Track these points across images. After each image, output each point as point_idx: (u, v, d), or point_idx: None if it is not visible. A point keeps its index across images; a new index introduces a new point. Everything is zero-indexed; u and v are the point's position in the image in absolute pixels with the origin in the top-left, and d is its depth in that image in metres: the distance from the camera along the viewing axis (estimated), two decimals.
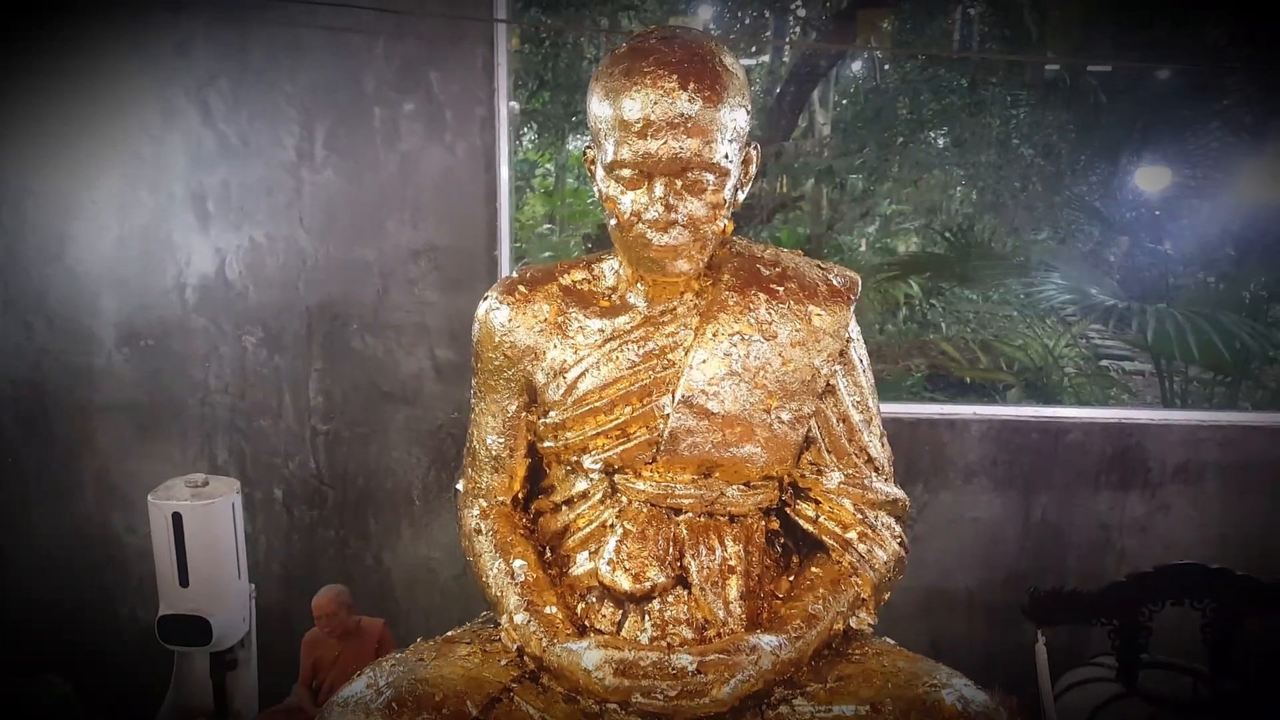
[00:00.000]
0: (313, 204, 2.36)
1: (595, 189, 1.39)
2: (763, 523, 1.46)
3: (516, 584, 1.41)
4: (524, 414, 1.49)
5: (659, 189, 1.29)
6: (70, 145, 2.33)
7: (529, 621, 1.36)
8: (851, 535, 1.44)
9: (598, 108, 1.32)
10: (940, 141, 2.78)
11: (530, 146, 2.56)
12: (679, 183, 1.29)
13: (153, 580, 2.15)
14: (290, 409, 2.45)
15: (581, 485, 1.46)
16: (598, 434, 1.40)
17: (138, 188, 2.37)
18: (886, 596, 1.47)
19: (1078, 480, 2.42)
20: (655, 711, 1.27)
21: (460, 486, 1.57)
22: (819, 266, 1.47)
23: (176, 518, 2.07)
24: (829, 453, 1.46)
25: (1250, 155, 2.45)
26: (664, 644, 1.35)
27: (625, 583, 1.37)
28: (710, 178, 1.29)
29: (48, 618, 2.55)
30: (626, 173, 1.29)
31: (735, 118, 1.30)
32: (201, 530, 2.08)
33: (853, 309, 1.45)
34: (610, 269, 1.46)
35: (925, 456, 2.43)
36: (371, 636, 1.85)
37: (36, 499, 2.50)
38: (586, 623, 1.40)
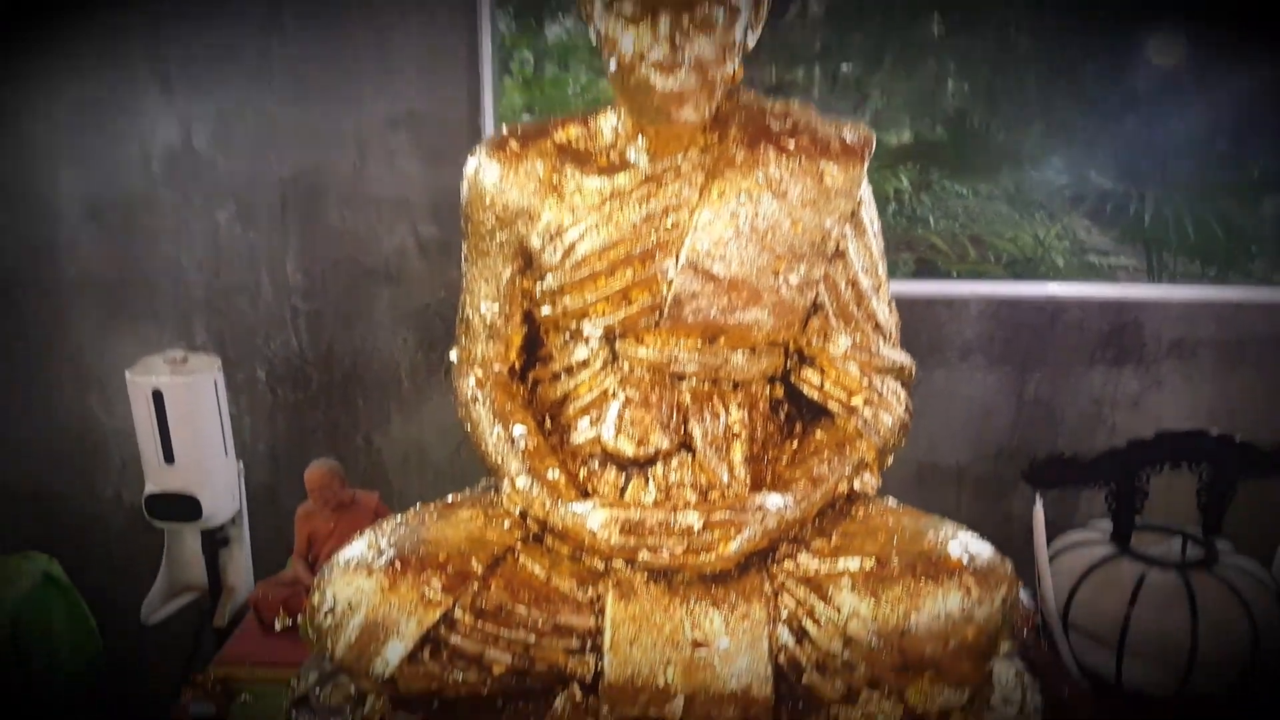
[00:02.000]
0: (282, 69, 2.24)
1: (592, 33, 1.31)
2: (767, 389, 1.44)
3: (517, 450, 1.38)
4: (519, 279, 1.44)
5: (664, 25, 1.21)
6: (16, 7, 2.18)
7: (531, 485, 1.34)
8: (857, 401, 1.41)
9: None
10: (936, 30, 2.67)
11: (506, 33, 2.42)
12: (686, 18, 1.21)
13: (136, 462, 2.11)
14: (269, 287, 2.37)
15: (581, 353, 1.42)
16: (598, 299, 1.36)
17: (93, 51, 2.22)
18: (890, 461, 1.46)
19: (1073, 357, 2.41)
20: (661, 568, 1.27)
21: (454, 356, 1.52)
22: (831, 121, 1.41)
23: (157, 395, 2.01)
24: (837, 318, 1.42)
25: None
26: (669, 506, 1.33)
27: (629, 448, 1.35)
28: (720, 13, 1.22)
29: (29, 504, 2.50)
30: (628, 6, 1.21)
31: None
32: (183, 407, 2.03)
33: (866, 167, 1.40)
34: (608, 125, 1.39)
35: (922, 335, 2.40)
36: (367, 509, 1.84)
37: (8, 381, 2.43)
38: (589, 488, 1.38)
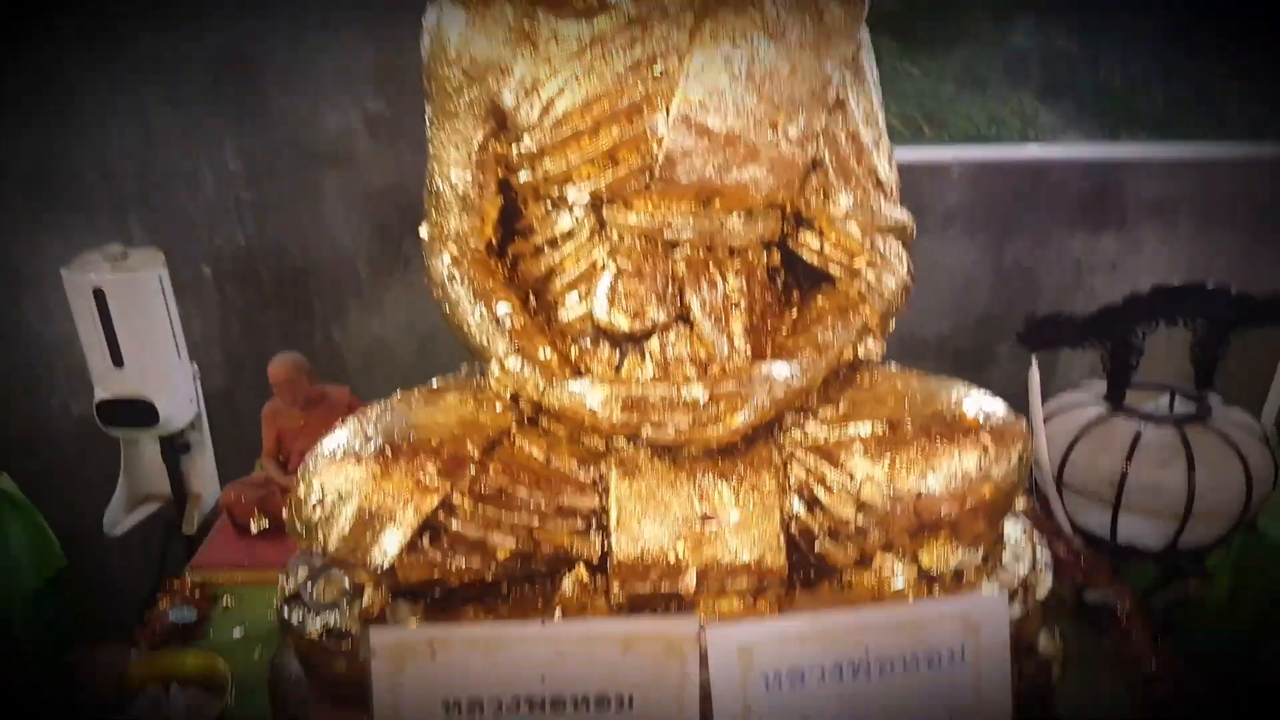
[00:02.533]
0: None
1: None
2: (765, 257, 1.36)
3: (503, 330, 1.29)
4: (491, 143, 1.32)
5: None
6: None
7: (522, 366, 1.26)
8: (859, 263, 1.35)
9: None
10: None
11: None
12: None
13: (80, 370, 1.97)
14: (208, 176, 2.20)
15: (565, 223, 1.32)
16: (581, 162, 1.25)
17: None
18: (893, 325, 1.41)
19: (1053, 221, 2.37)
20: (666, 444, 1.21)
21: (424, 233, 1.41)
22: None
23: (98, 294, 1.87)
24: (837, 176, 1.34)
25: None
26: (671, 379, 1.27)
27: (624, 322, 1.27)
28: None
29: None
30: None
31: None
32: (128, 305, 1.89)
33: (866, 6, 1.30)
34: None
35: (904, 204, 2.35)
36: (338, 404, 1.75)
37: None
38: (582, 367, 1.31)
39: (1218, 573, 1.81)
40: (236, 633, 1.50)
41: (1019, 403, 1.68)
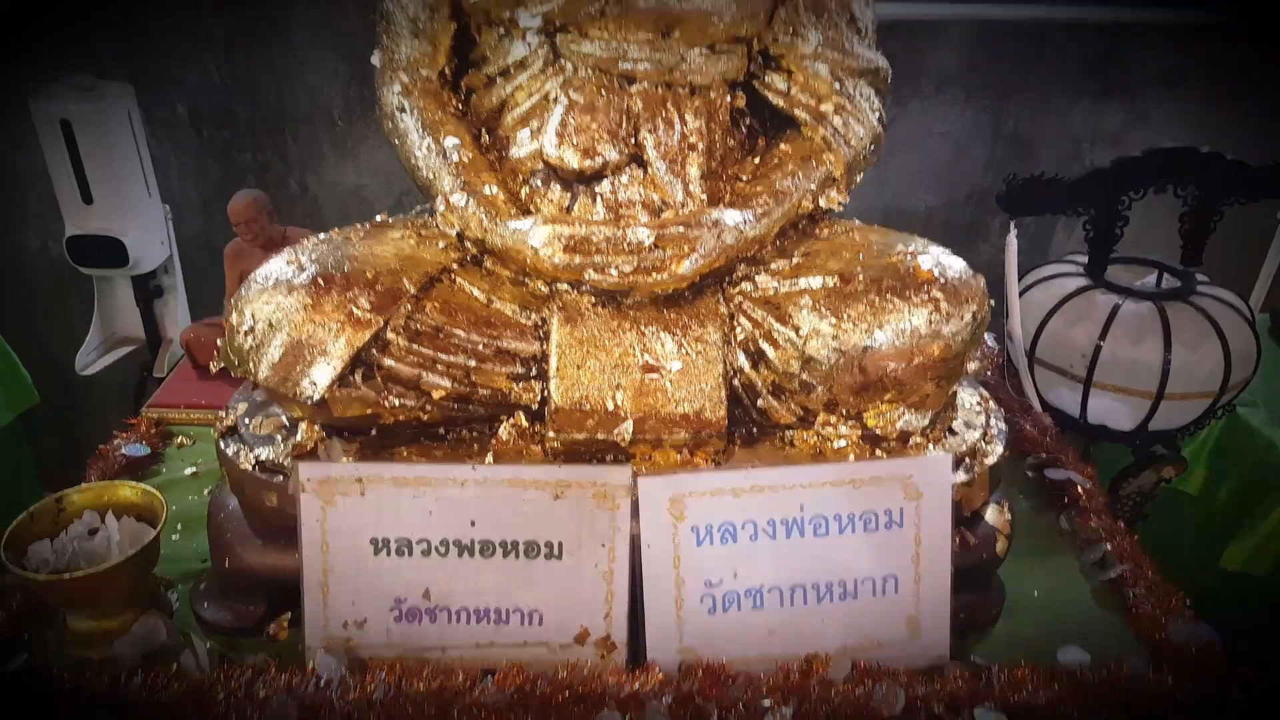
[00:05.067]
0: None
1: None
2: (727, 98, 1.28)
3: (450, 164, 1.24)
4: None
5: None
6: None
7: (467, 202, 1.22)
8: (827, 107, 1.27)
9: None
10: None
11: None
12: None
13: (56, 206, 1.94)
14: (179, 6, 2.11)
15: (519, 51, 1.25)
16: None
17: None
18: (859, 178, 1.34)
19: (1056, 87, 2.25)
20: (609, 289, 1.17)
21: (375, 60, 1.34)
22: None
23: (65, 125, 1.82)
24: (807, 10, 1.26)
25: None
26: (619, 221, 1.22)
27: (573, 159, 1.21)
28: None
29: None
30: None
31: None
32: (96, 139, 1.84)
33: None
34: None
35: (896, 64, 2.20)
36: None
37: None
38: (530, 207, 1.26)
39: (1194, 461, 1.79)
40: (188, 471, 1.51)
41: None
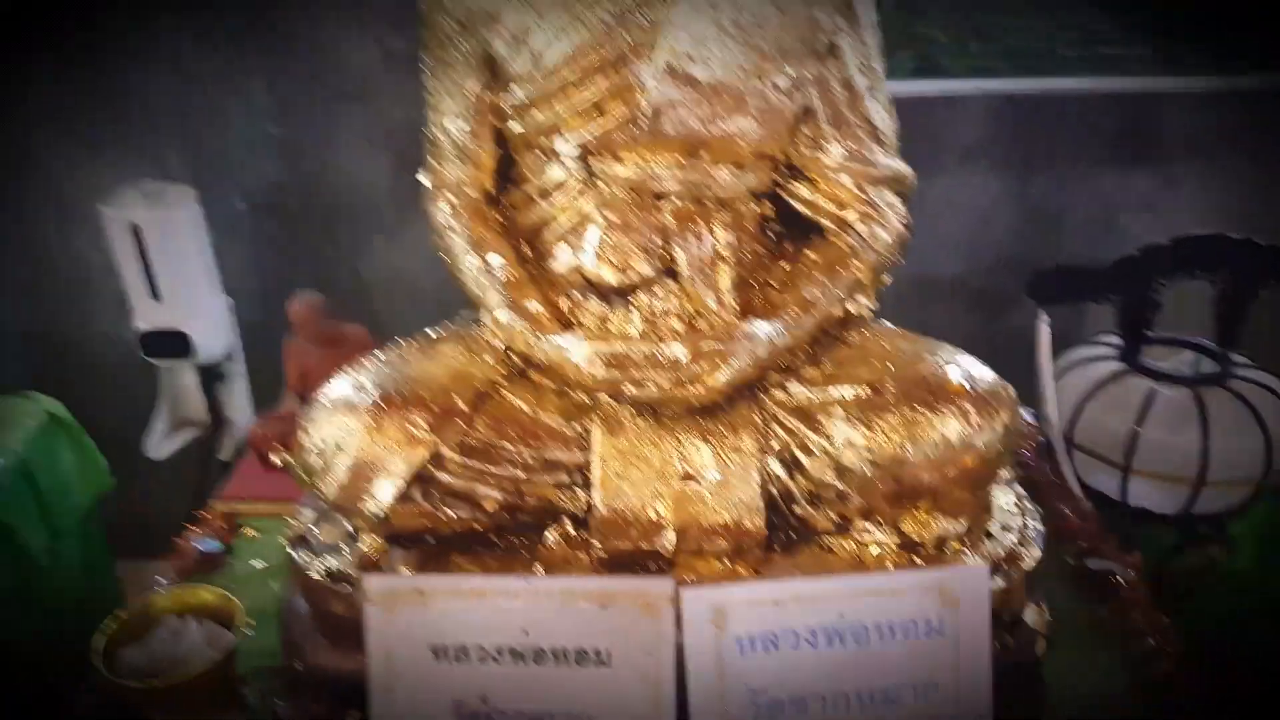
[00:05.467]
0: None
1: None
2: (755, 208, 1.34)
3: (496, 282, 1.31)
4: (486, 94, 1.32)
5: None
6: None
7: (512, 319, 1.28)
8: (851, 215, 1.32)
9: None
10: None
11: None
12: None
13: (125, 297, 2.06)
14: (238, 111, 2.24)
15: (556, 174, 1.32)
16: (569, 113, 1.25)
17: None
18: (886, 279, 1.39)
19: (1082, 157, 2.27)
20: (648, 401, 1.23)
21: (425, 180, 1.43)
22: None
23: (135, 229, 1.95)
24: (829, 124, 1.31)
25: None
26: (655, 337, 1.28)
27: (610, 276, 1.27)
28: None
29: (20, 340, 2.48)
30: None
31: None
32: (164, 240, 1.96)
33: None
34: None
35: (920, 140, 2.23)
36: (355, 343, 1.80)
37: None
38: (572, 318, 1.32)
39: (1242, 540, 1.78)
40: (257, 564, 1.59)
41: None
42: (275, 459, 1.75)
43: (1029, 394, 1.71)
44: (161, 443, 2.17)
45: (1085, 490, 1.68)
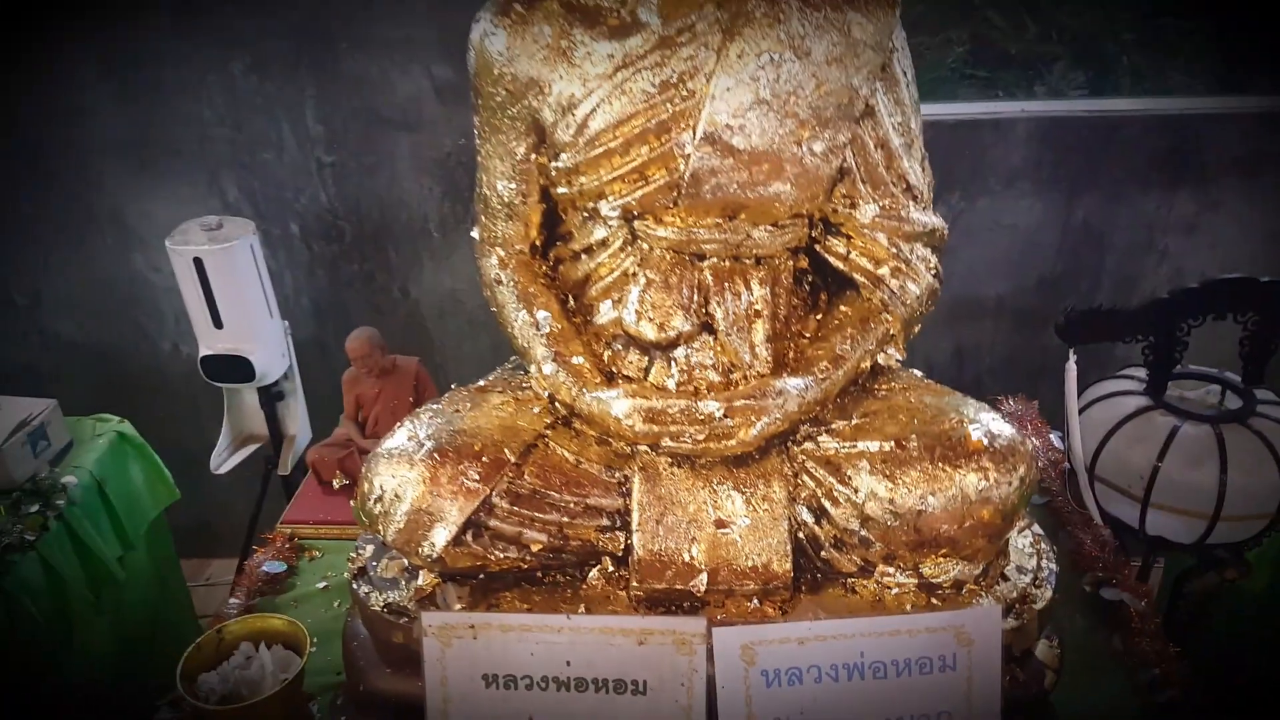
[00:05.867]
0: None
1: None
2: (790, 262, 1.41)
3: (542, 335, 1.40)
4: (534, 156, 1.40)
5: None
6: None
7: (557, 372, 1.37)
8: (884, 271, 1.38)
9: None
10: None
11: None
12: None
13: (187, 317, 2.18)
14: (291, 140, 2.33)
15: (600, 233, 1.40)
16: (613, 178, 1.32)
17: None
18: (917, 330, 1.45)
19: (1127, 179, 2.29)
20: (684, 453, 1.31)
21: (475, 234, 1.52)
22: None
23: (198, 262, 2.05)
24: (864, 183, 1.36)
25: None
26: (691, 389, 1.36)
27: (650, 332, 1.36)
28: None
29: (91, 360, 2.61)
30: None
31: None
32: (225, 272, 2.07)
33: (898, 14, 1.30)
34: None
35: (965, 161, 2.30)
36: (408, 374, 1.90)
37: (55, 245, 2.47)
38: (614, 369, 1.41)
39: (1258, 563, 1.83)
40: (319, 585, 1.70)
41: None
42: (335, 483, 1.86)
43: (1060, 410, 1.76)
44: (225, 458, 2.30)
45: (1105, 517, 1.73)
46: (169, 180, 2.39)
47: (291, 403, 2.34)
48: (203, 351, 2.15)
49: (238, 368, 2.16)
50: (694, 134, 1.27)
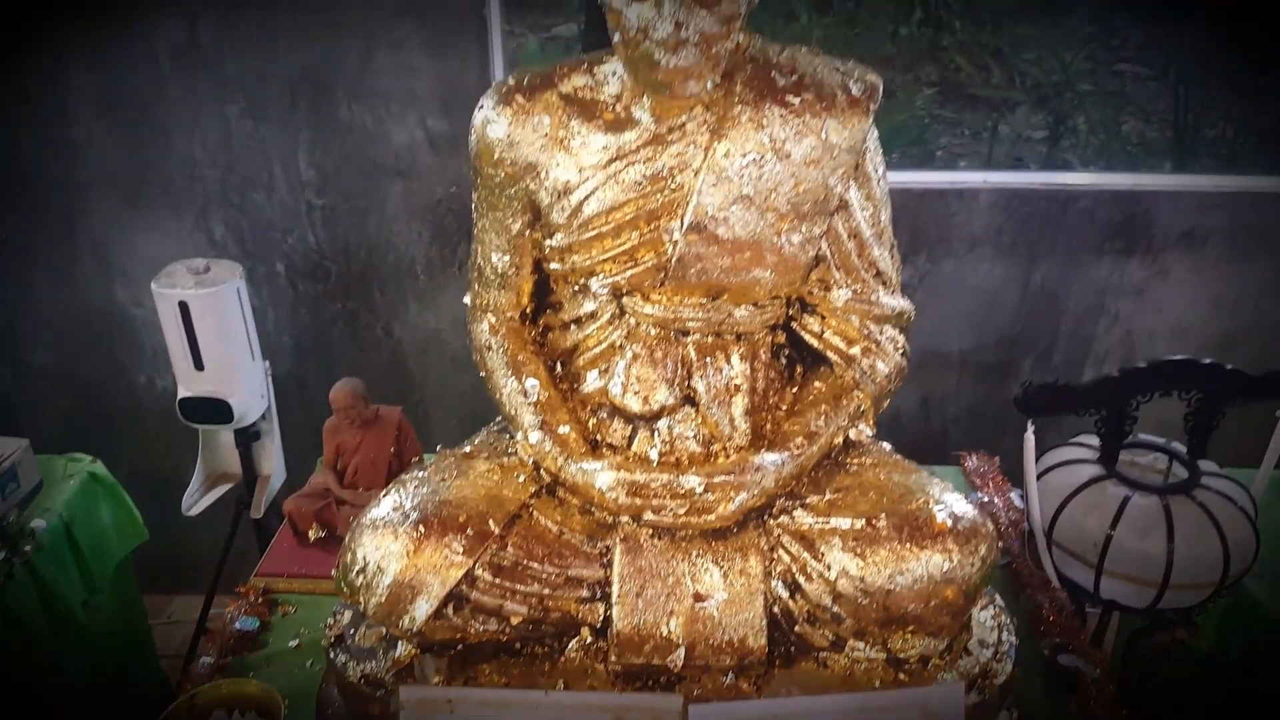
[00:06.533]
0: None
1: None
2: (769, 338, 1.48)
3: (530, 403, 1.45)
4: (528, 232, 1.45)
5: (668, 4, 1.17)
6: None
7: (544, 440, 1.42)
8: (855, 350, 1.46)
9: None
10: None
11: None
12: None
13: (165, 349, 2.19)
14: (283, 182, 2.36)
15: (589, 306, 1.46)
16: (604, 259, 1.38)
17: None
18: (886, 404, 1.52)
19: (1081, 247, 2.41)
20: (665, 526, 1.36)
21: (468, 300, 1.56)
22: (837, 69, 1.37)
23: (183, 306, 2.07)
24: (838, 270, 1.44)
25: None
26: (673, 460, 1.41)
27: (635, 405, 1.41)
28: None
29: (65, 391, 2.61)
30: None
31: None
32: (210, 317, 2.09)
33: (872, 118, 1.38)
34: (613, 73, 1.36)
35: (931, 226, 2.40)
36: (390, 424, 1.92)
37: (36, 274, 2.48)
38: (599, 437, 1.46)
39: (1204, 625, 1.92)
40: (292, 643, 1.70)
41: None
42: (311, 534, 1.89)
43: (1020, 465, 1.84)
44: (198, 499, 2.31)
45: (1062, 580, 1.81)
46: (156, 215, 2.41)
47: (267, 442, 2.36)
48: (182, 393, 2.17)
49: (216, 410, 2.18)
50: (681, 223, 1.33)
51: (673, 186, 1.33)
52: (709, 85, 1.28)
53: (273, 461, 2.36)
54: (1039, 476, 1.82)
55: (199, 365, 2.13)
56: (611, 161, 1.34)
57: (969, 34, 2.27)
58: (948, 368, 2.60)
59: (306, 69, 2.24)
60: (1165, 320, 2.50)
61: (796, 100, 1.33)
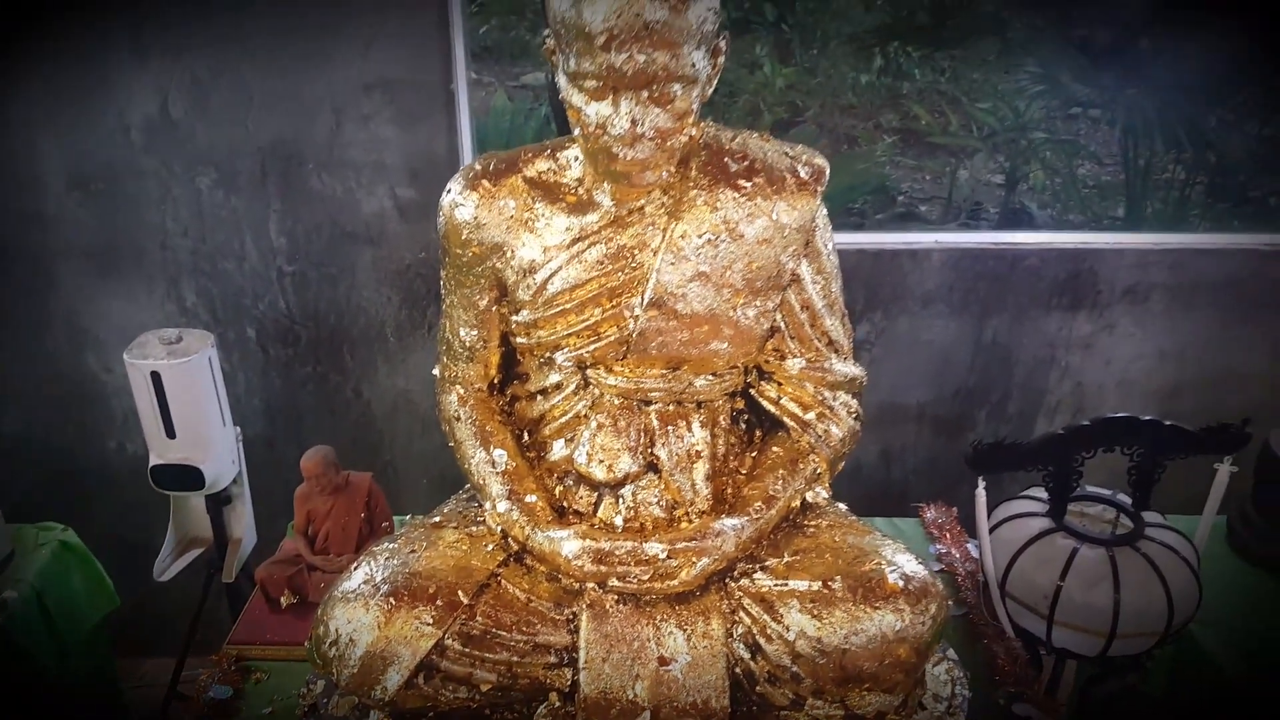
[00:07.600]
0: (256, 36, 2.21)
1: (559, 81, 1.33)
2: (728, 405, 1.54)
3: (498, 473, 1.50)
4: (495, 308, 1.52)
5: (624, 104, 1.24)
6: None
7: (511, 510, 1.47)
8: (810, 416, 1.53)
9: (557, 6, 1.24)
10: None
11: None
12: (645, 94, 1.24)
13: (136, 415, 2.22)
14: (253, 251, 2.42)
15: (555, 378, 1.52)
16: (569, 334, 1.44)
17: (67, 22, 2.18)
18: (841, 466, 1.59)
19: (1030, 303, 2.51)
20: (630, 592, 1.41)
21: (436, 372, 1.62)
22: (786, 154, 1.46)
23: (155, 376, 2.10)
24: (792, 340, 1.51)
25: None
26: (637, 526, 1.47)
27: (600, 473, 1.47)
28: (678, 88, 1.25)
29: (36, 459, 2.62)
30: (590, 84, 1.25)
31: (704, 19, 1.23)
32: (181, 385, 2.11)
33: (820, 199, 1.46)
34: (575, 158, 1.44)
35: (886, 286, 2.49)
36: (360, 491, 1.96)
37: (6, 343, 2.50)
38: (565, 504, 1.51)
39: (1155, 669, 1.99)
40: (266, 710, 1.72)
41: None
42: (283, 601, 1.91)
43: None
44: (169, 565, 2.32)
45: (1016, 630, 1.87)
46: (128, 284, 2.44)
47: (239, 506, 2.38)
48: (154, 460, 2.19)
49: (188, 477, 2.19)
50: (642, 299, 1.40)
51: (633, 265, 1.40)
52: (664, 175, 1.35)
53: (244, 525, 2.38)
54: (991, 530, 1.89)
55: (171, 434, 2.16)
56: (575, 242, 1.41)
57: (927, 82, 2.37)
58: (906, 420, 2.68)
59: (277, 141, 2.30)
60: (1113, 372, 2.60)
61: (748, 184, 1.41)
